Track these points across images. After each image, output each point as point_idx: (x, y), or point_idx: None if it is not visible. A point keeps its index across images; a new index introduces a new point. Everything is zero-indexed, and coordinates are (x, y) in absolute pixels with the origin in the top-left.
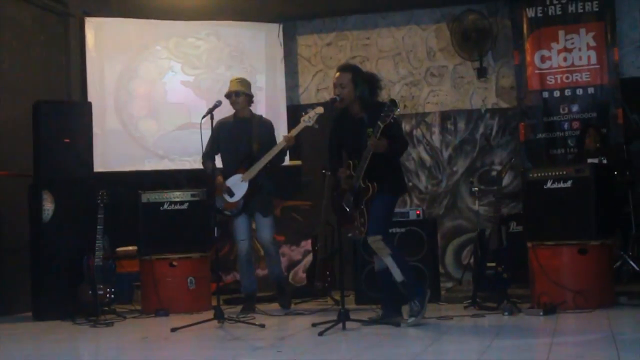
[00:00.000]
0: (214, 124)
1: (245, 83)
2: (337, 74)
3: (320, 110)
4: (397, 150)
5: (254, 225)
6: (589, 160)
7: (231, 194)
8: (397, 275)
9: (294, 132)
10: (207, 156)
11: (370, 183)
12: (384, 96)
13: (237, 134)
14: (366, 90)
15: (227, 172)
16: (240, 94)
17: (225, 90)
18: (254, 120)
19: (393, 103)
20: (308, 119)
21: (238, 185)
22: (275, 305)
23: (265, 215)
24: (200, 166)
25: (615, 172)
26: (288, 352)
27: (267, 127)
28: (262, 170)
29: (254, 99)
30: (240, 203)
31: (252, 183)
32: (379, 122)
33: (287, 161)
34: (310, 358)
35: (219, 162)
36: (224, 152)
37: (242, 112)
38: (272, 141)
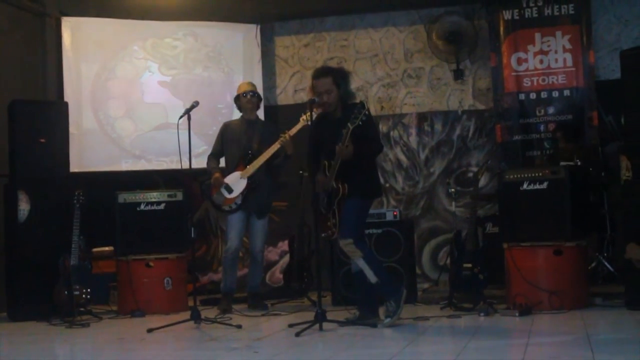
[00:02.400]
0: (221, 126)
1: (255, 86)
2: (316, 81)
3: (318, 110)
4: (367, 153)
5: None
6: (562, 163)
7: (230, 190)
8: (371, 277)
9: (293, 130)
10: (212, 156)
11: (341, 184)
12: (361, 97)
13: (240, 135)
14: (347, 87)
15: (228, 171)
16: (256, 94)
17: (204, 90)
18: (258, 123)
19: (362, 105)
20: (307, 118)
21: (237, 182)
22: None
23: (260, 218)
24: (177, 166)
25: (590, 174)
26: (265, 353)
27: (270, 130)
28: (261, 168)
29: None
30: (238, 198)
31: (250, 179)
32: (348, 124)
33: None
34: (286, 359)
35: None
36: (227, 152)
37: (250, 114)
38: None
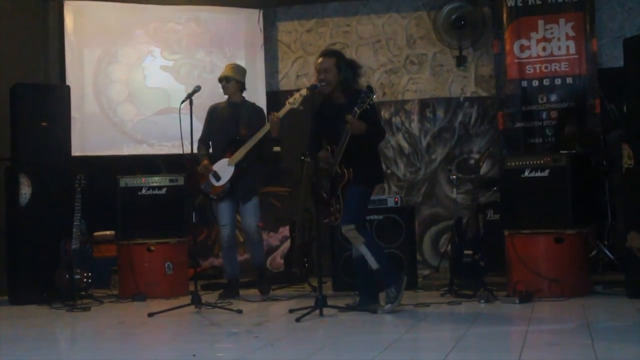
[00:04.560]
0: (208, 109)
1: (238, 70)
2: (320, 59)
3: (304, 92)
4: (373, 137)
5: (238, 217)
6: (563, 151)
7: (218, 178)
8: (372, 263)
9: (279, 114)
10: (202, 141)
11: (346, 169)
12: (363, 83)
13: (227, 119)
14: (349, 75)
15: (216, 157)
16: (231, 80)
17: (206, 75)
18: (245, 106)
19: (370, 89)
20: (293, 101)
21: (224, 169)
22: (253, 291)
23: (246, 202)
24: (179, 151)
25: (592, 162)
26: (265, 338)
27: (257, 113)
28: (248, 154)
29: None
30: (226, 186)
31: (238, 166)
32: (355, 108)
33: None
34: (287, 344)
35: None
36: (214, 136)
37: (233, 97)
38: (262, 127)
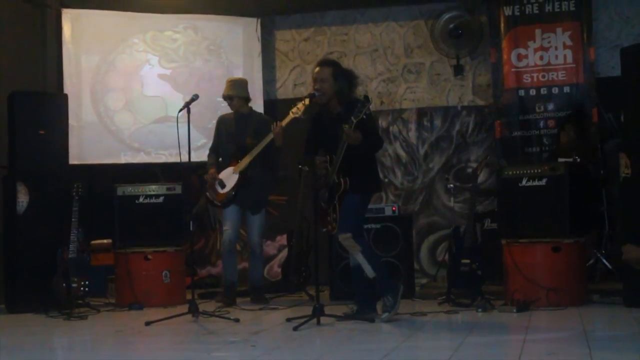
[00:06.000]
0: (217, 119)
1: (238, 85)
2: (317, 68)
3: (307, 101)
4: (370, 146)
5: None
6: (561, 159)
7: (223, 186)
8: (369, 271)
9: (283, 123)
10: (212, 150)
11: (343, 178)
12: (361, 92)
13: (235, 129)
14: (345, 85)
15: (223, 166)
16: (234, 98)
17: (203, 83)
18: (252, 116)
19: (366, 99)
20: (296, 110)
21: (230, 177)
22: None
23: (255, 213)
24: (176, 159)
25: (590, 171)
26: (262, 347)
27: (264, 122)
28: (252, 162)
29: None
30: (230, 194)
31: (242, 174)
32: (352, 118)
33: None
34: (284, 353)
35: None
36: (223, 146)
37: (240, 109)
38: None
